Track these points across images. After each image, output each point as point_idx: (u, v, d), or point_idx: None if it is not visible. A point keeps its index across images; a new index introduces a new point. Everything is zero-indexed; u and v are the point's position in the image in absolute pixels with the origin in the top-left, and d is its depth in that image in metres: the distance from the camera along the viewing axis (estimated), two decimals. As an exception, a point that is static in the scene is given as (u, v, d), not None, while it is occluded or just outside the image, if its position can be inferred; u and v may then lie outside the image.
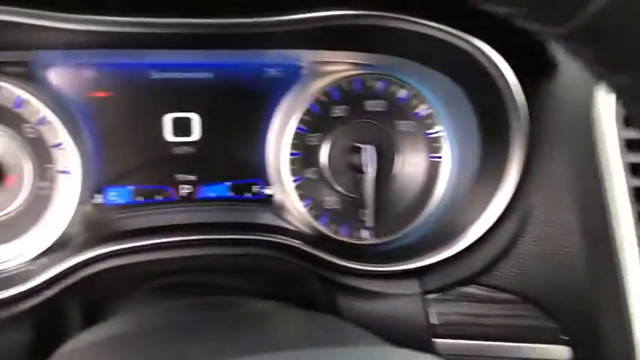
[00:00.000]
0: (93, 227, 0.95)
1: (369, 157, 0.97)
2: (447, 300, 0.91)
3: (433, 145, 1.02)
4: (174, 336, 0.66)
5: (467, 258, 0.91)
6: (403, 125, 1.01)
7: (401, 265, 0.92)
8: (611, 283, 0.85)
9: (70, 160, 0.90)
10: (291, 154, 0.98)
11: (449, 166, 1.02)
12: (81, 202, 0.93)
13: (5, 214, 0.90)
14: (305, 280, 0.92)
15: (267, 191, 1.03)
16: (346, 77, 0.98)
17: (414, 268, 0.92)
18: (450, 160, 1.02)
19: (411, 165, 1.02)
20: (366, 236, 1.02)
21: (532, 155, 0.88)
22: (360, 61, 0.99)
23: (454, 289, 0.92)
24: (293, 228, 1.01)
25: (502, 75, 0.87)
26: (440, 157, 1.02)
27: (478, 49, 0.87)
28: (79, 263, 0.85)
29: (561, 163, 0.88)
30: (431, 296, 0.91)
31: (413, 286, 0.91)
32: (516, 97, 0.88)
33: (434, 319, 0.89)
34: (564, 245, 0.87)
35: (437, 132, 1.02)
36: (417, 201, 1.03)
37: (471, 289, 0.91)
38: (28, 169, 0.89)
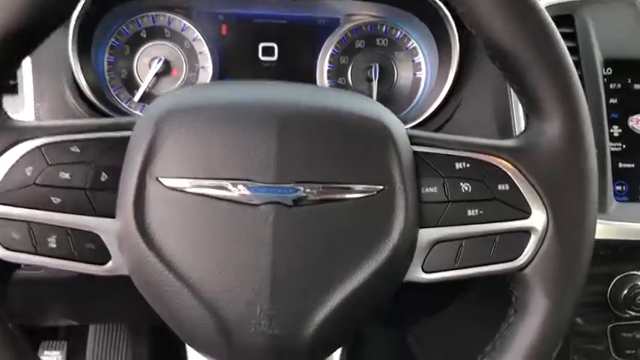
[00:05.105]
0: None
1: (375, 72, 1.62)
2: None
3: (416, 67, 1.67)
4: None
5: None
6: (398, 54, 1.65)
7: None
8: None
9: (207, 60, 1.60)
10: (329, 67, 1.64)
11: (427, 79, 1.66)
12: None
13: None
14: None
15: (316, 88, 1.70)
16: (364, 23, 1.64)
17: None
18: (427, 75, 1.66)
19: (402, 79, 1.66)
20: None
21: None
22: (374, 14, 1.63)
23: None
24: None
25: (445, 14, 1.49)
26: (420, 74, 1.67)
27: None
28: None
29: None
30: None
31: None
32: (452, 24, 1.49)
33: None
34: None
35: (419, 59, 1.67)
36: (406, 98, 1.66)
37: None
38: (184, 66, 1.60)
